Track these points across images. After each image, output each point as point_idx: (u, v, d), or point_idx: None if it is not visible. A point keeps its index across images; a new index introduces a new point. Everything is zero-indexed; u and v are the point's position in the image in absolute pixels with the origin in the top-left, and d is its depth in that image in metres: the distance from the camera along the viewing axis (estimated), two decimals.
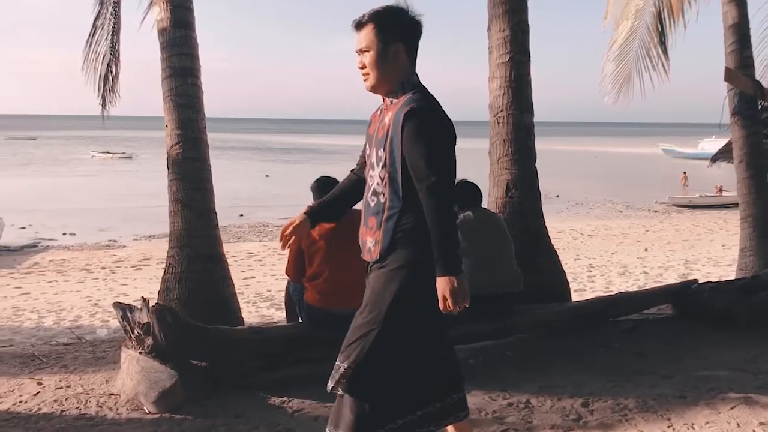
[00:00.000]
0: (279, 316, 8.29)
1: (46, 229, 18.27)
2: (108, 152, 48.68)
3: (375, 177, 2.33)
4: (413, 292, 2.25)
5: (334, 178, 4.02)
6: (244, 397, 3.51)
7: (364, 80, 2.37)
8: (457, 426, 2.46)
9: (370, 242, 2.33)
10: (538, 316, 4.45)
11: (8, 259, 14.25)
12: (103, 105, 5.45)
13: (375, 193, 2.34)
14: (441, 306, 2.19)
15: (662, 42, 6.28)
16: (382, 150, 2.29)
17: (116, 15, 5.28)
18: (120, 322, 3.93)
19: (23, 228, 18.10)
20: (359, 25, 2.35)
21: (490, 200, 5.02)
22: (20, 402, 3.50)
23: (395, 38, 2.31)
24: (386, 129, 2.29)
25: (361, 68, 2.36)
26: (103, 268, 13.08)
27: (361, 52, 2.35)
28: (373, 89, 2.38)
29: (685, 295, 4.86)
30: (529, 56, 5.08)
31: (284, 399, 3.49)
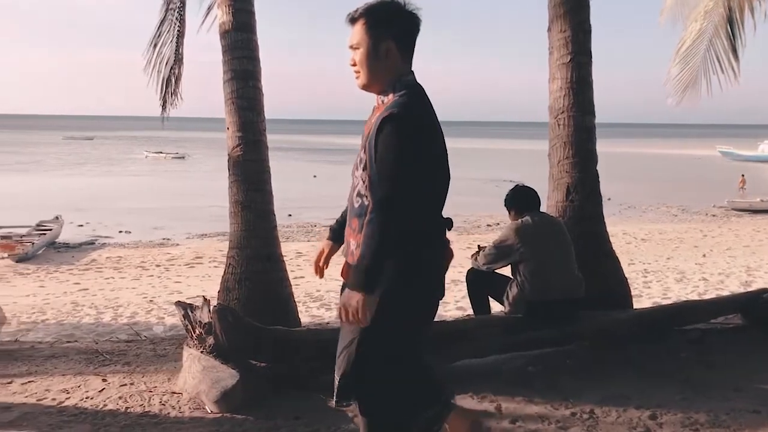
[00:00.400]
0: (329, 316, 8.34)
1: (102, 226, 18.79)
2: (161, 152, 49.66)
3: (358, 178, 2.26)
4: (392, 298, 2.15)
5: None
6: (303, 399, 3.51)
7: (356, 78, 2.28)
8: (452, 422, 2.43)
9: (353, 244, 2.26)
10: (601, 323, 4.33)
11: (67, 255, 14.71)
12: (164, 107, 5.55)
13: (359, 195, 2.26)
14: (337, 312, 2.15)
15: (732, 44, 6.07)
16: (363, 151, 2.23)
17: (181, 19, 5.39)
18: (181, 321, 3.99)
19: (81, 225, 18.66)
20: (352, 21, 2.26)
21: (549, 204, 4.93)
22: (87, 398, 3.58)
23: (387, 35, 2.21)
24: (369, 130, 2.21)
25: (352, 66, 2.28)
26: (158, 265, 13.38)
27: (352, 48, 2.27)
28: (365, 88, 2.29)
29: (756, 305, 4.67)
30: (591, 57, 4.97)
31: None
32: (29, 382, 3.86)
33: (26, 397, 3.61)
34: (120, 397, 3.57)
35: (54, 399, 3.57)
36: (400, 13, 2.24)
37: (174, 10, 5.38)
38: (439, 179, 2.24)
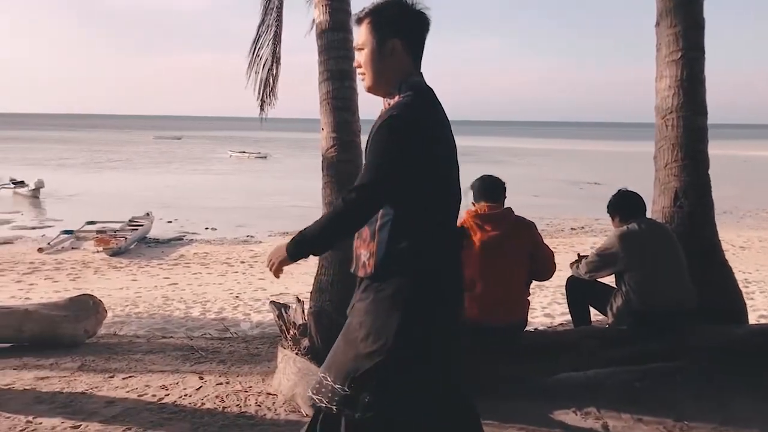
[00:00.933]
0: None
1: (189, 223, 19.35)
2: (244, 152, 50.84)
3: None
4: (418, 321, 2.05)
5: (498, 178, 3.85)
6: None
7: (362, 80, 2.20)
8: None
9: (364, 255, 2.12)
10: (715, 337, 4.02)
11: (157, 250, 15.23)
12: (262, 107, 5.61)
13: None
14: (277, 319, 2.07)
15: None
16: (365, 155, 2.12)
17: (278, 20, 5.43)
18: (276, 321, 3.99)
19: (170, 222, 19.28)
20: (358, 21, 2.17)
21: (654, 209, 4.64)
22: (185, 395, 3.63)
23: (391, 34, 2.11)
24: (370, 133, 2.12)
25: (358, 68, 2.19)
26: (242, 262, 13.63)
27: (358, 50, 2.18)
28: (370, 90, 2.20)
29: None
30: (704, 53, 4.65)
31: None
32: (130, 377, 3.95)
33: (128, 392, 3.69)
34: (217, 396, 3.59)
35: (154, 395, 3.63)
36: (407, 12, 2.15)
37: (272, 11, 5.42)
38: (443, 181, 2.13)
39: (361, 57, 2.18)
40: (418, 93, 2.11)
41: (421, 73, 2.19)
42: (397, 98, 2.12)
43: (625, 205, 4.15)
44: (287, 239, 2.13)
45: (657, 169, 4.73)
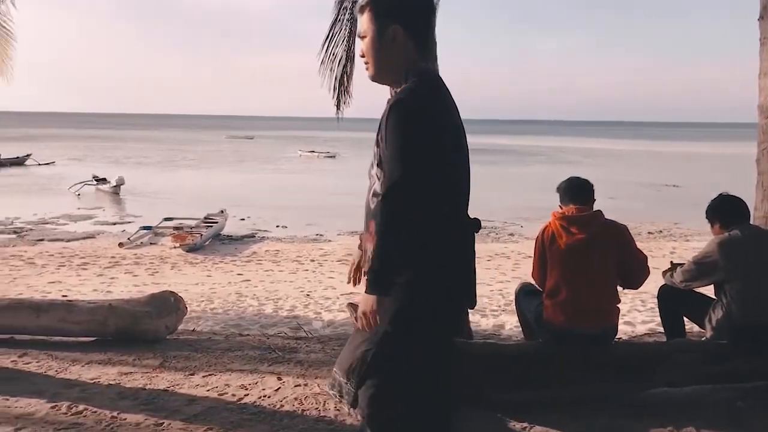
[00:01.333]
0: (486, 324, 8.05)
1: (261, 221, 19.68)
2: (313, 151, 51.56)
3: (374, 176, 2.06)
4: (420, 317, 2.01)
5: (586, 180, 3.69)
6: (479, 417, 3.30)
7: (366, 70, 2.14)
8: None
9: (369, 249, 2.03)
10: None
11: (231, 247, 15.55)
12: (338, 106, 5.59)
13: (375, 194, 2.05)
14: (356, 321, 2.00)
15: None
16: (376, 146, 2.04)
17: (352, 18, 5.39)
18: (353, 323, 3.91)
19: (242, 219, 19.68)
20: (360, 10, 2.12)
21: (757, 215, 4.36)
22: (264, 396, 3.60)
23: (392, 20, 2.04)
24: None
25: (362, 57, 2.13)
26: (312, 260, 13.74)
27: (360, 38, 2.12)
28: (374, 79, 2.14)
29: None
30: None
31: (525, 425, 3.23)
32: (210, 375, 3.96)
33: (208, 390, 3.69)
34: (295, 399, 3.55)
35: (234, 395, 3.62)
36: None
37: (346, 10, 5.39)
38: (450, 171, 2.04)
39: (363, 46, 2.15)
40: (425, 79, 2.06)
41: (434, 58, 2.14)
42: (404, 86, 2.07)
43: (726, 210, 3.89)
44: (365, 295, 2.00)
45: (760, 173, 4.44)
